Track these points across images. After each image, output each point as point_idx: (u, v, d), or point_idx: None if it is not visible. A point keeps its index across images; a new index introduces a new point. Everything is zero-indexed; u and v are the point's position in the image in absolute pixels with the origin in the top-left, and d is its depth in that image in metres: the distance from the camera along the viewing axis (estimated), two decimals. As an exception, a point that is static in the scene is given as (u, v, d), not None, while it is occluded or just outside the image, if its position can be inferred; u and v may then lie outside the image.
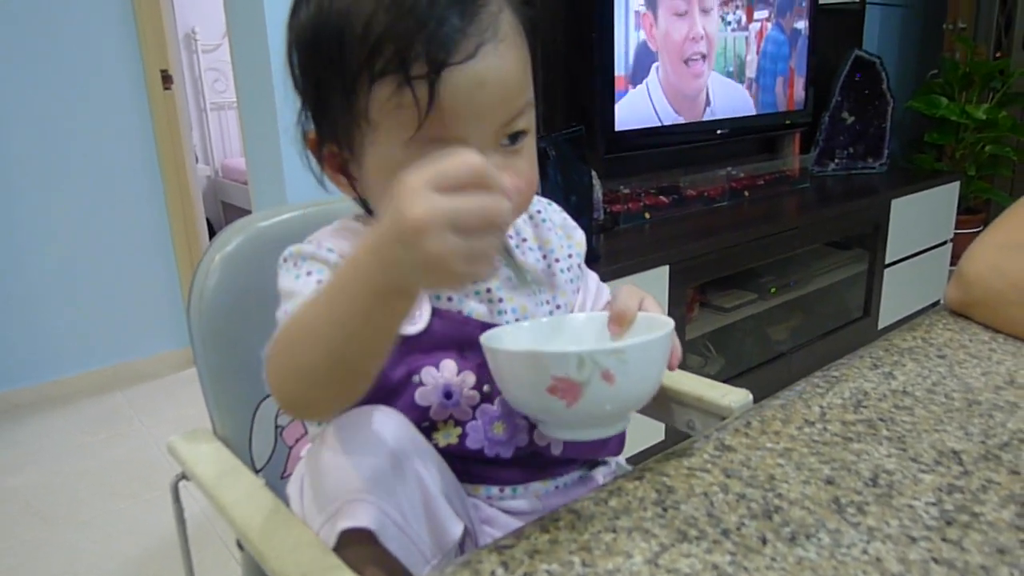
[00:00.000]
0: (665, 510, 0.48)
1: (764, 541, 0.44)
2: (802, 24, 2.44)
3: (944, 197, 2.76)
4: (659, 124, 2.08)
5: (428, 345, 0.57)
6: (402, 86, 0.48)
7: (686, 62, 2.11)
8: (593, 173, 1.78)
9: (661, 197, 2.20)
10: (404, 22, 0.47)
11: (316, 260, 0.57)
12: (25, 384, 2.59)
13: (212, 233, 3.31)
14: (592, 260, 1.75)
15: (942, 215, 2.80)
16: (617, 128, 1.97)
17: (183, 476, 0.71)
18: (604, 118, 1.95)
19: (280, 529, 0.54)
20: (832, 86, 2.73)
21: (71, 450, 2.27)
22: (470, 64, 0.49)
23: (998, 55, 3.18)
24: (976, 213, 3.16)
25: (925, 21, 3.27)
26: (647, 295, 0.58)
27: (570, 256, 0.68)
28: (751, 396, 0.69)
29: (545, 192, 1.63)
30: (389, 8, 0.48)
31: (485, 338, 0.52)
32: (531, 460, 0.62)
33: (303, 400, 0.49)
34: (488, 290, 0.60)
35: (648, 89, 2.03)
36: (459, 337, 0.58)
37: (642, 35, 1.96)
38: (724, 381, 0.74)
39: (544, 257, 0.66)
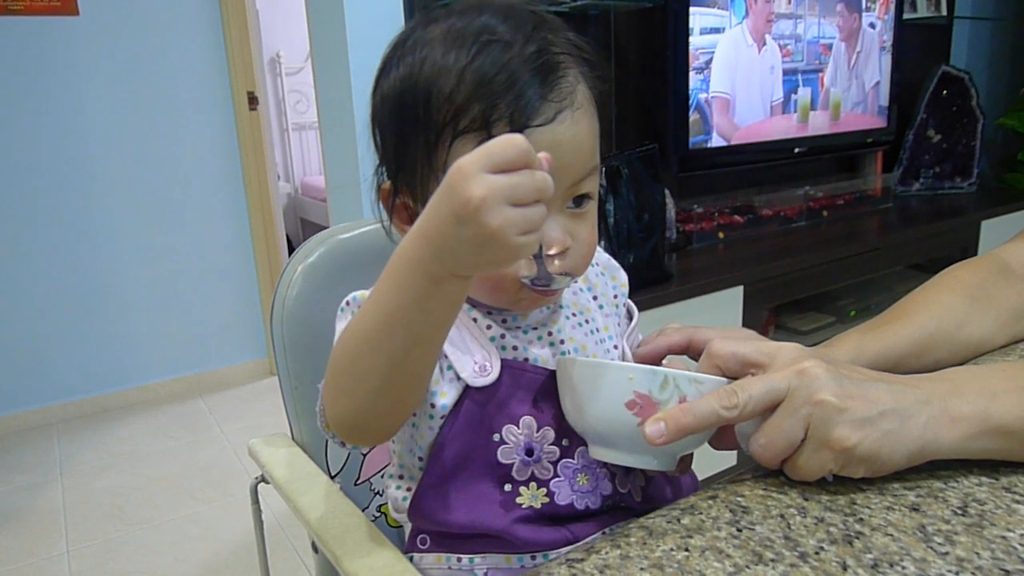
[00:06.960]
0: (740, 530, 0.47)
1: (844, 567, 0.43)
2: (887, 40, 2.37)
3: (1040, 218, 2.62)
4: (735, 143, 2.05)
5: (503, 398, 0.58)
6: (483, 143, 0.50)
7: (771, 80, 2.08)
8: (666, 191, 1.77)
9: (735, 216, 2.16)
10: (490, 87, 0.51)
11: None
12: (113, 389, 2.74)
13: (291, 249, 3.42)
14: (664, 279, 1.74)
15: (1038, 238, 2.66)
16: (691, 146, 1.95)
17: (262, 479, 0.73)
18: (678, 136, 1.93)
19: (355, 532, 0.56)
20: (917, 103, 2.63)
21: (153, 454, 2.37)
22: (548, 128, 0.52)
23: (1099, 70, 3.00)
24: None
25: (1018, 35, 3.13)
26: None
27: (615, 297, 0.69)
28: (830, 419, 0.67)
29: (618, 210, 1.62)
30: (476, 73, 0.52)
31: (560, 360, 0.56)
32: (613, 514, 0.62)
33: (359, 416, 0.51)
34: (549, 332, 0.61)
35: (729, 106, 2.01)
36: (531, 388, 0.59)
37: (722, 52, 1.95)
38: (801, 403, 0.71)
39: (595, 298, 0.68)
